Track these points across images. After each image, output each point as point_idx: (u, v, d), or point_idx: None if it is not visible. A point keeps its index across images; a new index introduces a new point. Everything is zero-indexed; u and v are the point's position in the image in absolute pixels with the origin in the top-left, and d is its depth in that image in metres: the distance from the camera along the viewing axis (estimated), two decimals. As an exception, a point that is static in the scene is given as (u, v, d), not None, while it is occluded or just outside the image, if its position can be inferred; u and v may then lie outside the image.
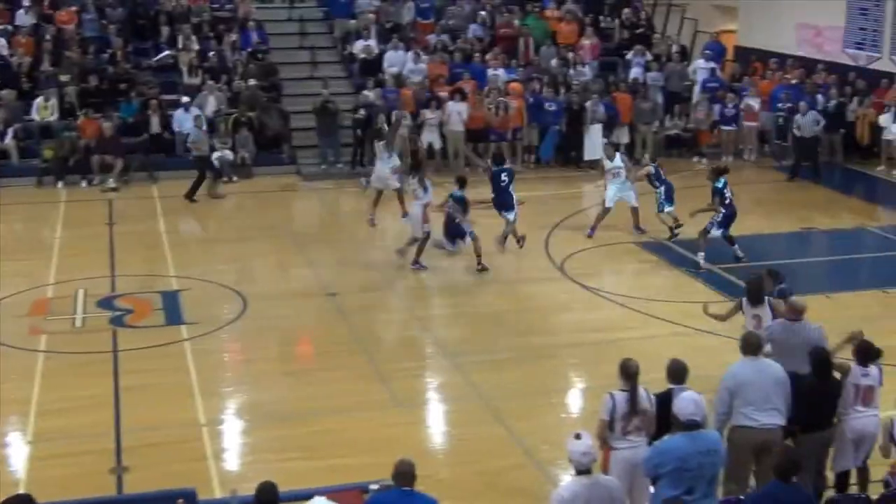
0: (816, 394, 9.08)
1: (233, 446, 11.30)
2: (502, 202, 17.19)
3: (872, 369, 9.36)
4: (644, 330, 14.09)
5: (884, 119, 22.90)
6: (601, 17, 28.45)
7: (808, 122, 22.35)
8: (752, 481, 9.00)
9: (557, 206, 20.30)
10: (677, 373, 8.88)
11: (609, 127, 23.59)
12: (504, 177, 17.19)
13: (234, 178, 22.57)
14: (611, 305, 15.15)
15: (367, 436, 11.17)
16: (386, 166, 17.52)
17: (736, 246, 16.62)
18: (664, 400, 8.50)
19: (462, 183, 16.63)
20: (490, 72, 24.55)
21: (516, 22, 27.30)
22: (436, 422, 12.11)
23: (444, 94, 23.65)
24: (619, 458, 8.54)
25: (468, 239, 16.44)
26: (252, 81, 24.02)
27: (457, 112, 22.93)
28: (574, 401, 12.52)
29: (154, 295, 15.62)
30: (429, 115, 22.48)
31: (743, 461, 8.77)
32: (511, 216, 17.15)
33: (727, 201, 16.43)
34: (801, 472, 7.63)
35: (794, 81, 24.74)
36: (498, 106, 23.24)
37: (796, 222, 18.90)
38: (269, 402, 12.11)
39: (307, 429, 11.39)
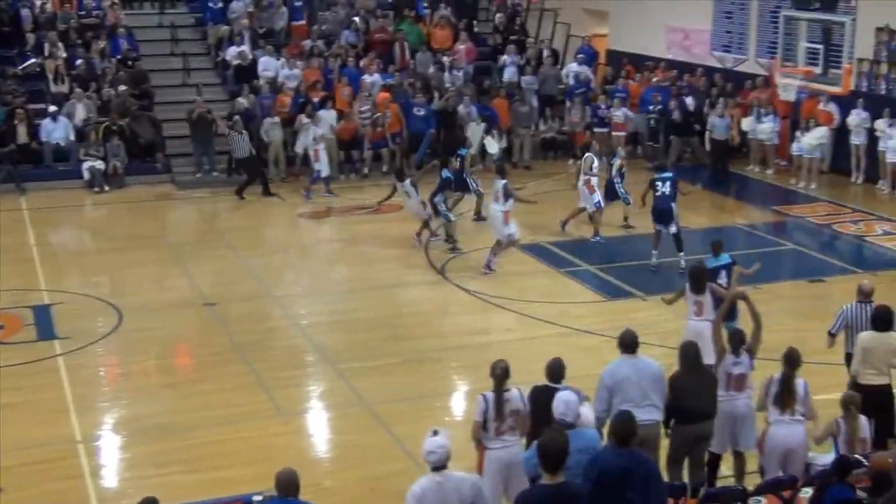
0: (686, 386, 9.27)
1: (111, 462, 11.04)
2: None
3: (743, 357, 9.68)
4: (525, 331, 14.22)
5: (746, 123, 23.49)
6: (475, 22, 28.70)
7: (722, 126, 22.67)
8: None
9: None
10: (554, 371, 9.01)
11: (487, 130, 23.69)
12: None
13: (106, 188, 22.10)
14: (492, 308, 15.24)
15: (251, 446, 11.03)
16: (414, 201, 17.85)
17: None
18: (543, 398, 8.59)
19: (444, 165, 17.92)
20: (366, 77, 24.51)
21: (391, 27, 27.33)
22: (319, 429, 12.03)
23: (318, 99, 23.54)
24: (492, 457, 8.61)
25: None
26: (122, 89, 23.54)
27: (328, 122, 22.81)
28: (457, 403, 12.55)
29: (25, 310, 15.17)
30: (304, 119, 22.28)
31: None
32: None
33: (657, 193, 16.65)
34: (637, 443, 7.74)
35: (665, 83, 25.24)
36: (375, 122, 23.27)
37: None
38: (148, 416, 11.86)
39: (188, 441, 11.20)
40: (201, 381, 12.89)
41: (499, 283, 16.25)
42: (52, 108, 22.69)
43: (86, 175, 22.08)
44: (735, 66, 25.54)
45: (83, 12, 26.49)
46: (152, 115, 23.71)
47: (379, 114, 23.40)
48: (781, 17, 19.80)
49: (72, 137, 22.54)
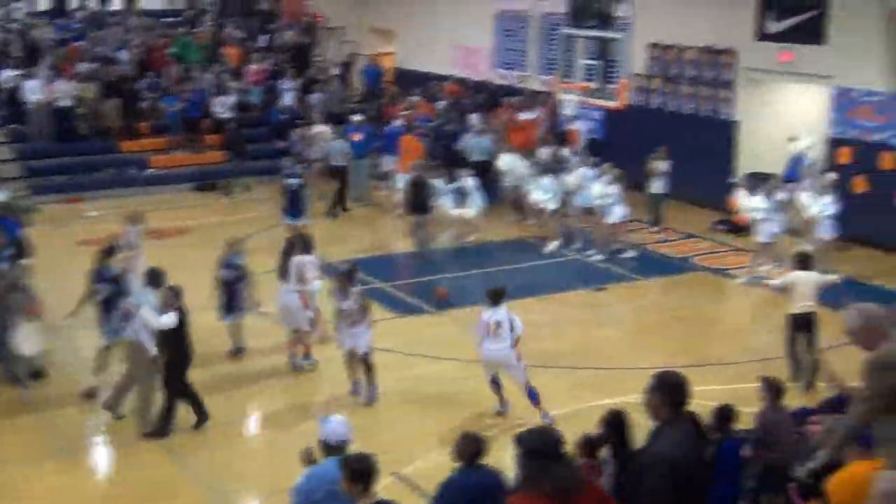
0: None
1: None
2: None
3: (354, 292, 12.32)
4: (317, 352, 13.85)
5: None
6: (270, 38, 28.55)
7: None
8: None
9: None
10: None
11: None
12: None
13: None
14: (279, 329, 14.71)
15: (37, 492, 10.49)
16: None
17: None
18: None
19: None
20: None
21: (169, 48, 26.84)
22: (104, 468, 11.51)
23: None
24: None
25: None
26: None
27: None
28: (261, 430, 12.25)
29: None
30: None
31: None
32: None
33: None
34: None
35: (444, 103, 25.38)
36: None
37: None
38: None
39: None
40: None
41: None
42: None
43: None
44: (519, 82, 26.06)
45: None
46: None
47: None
48: (560, 35, 20.33)
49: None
